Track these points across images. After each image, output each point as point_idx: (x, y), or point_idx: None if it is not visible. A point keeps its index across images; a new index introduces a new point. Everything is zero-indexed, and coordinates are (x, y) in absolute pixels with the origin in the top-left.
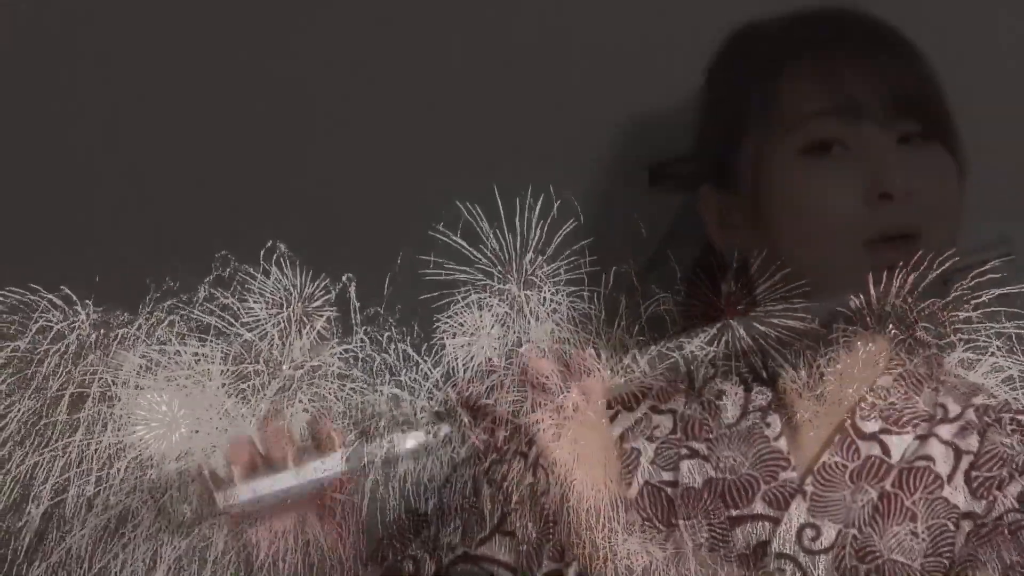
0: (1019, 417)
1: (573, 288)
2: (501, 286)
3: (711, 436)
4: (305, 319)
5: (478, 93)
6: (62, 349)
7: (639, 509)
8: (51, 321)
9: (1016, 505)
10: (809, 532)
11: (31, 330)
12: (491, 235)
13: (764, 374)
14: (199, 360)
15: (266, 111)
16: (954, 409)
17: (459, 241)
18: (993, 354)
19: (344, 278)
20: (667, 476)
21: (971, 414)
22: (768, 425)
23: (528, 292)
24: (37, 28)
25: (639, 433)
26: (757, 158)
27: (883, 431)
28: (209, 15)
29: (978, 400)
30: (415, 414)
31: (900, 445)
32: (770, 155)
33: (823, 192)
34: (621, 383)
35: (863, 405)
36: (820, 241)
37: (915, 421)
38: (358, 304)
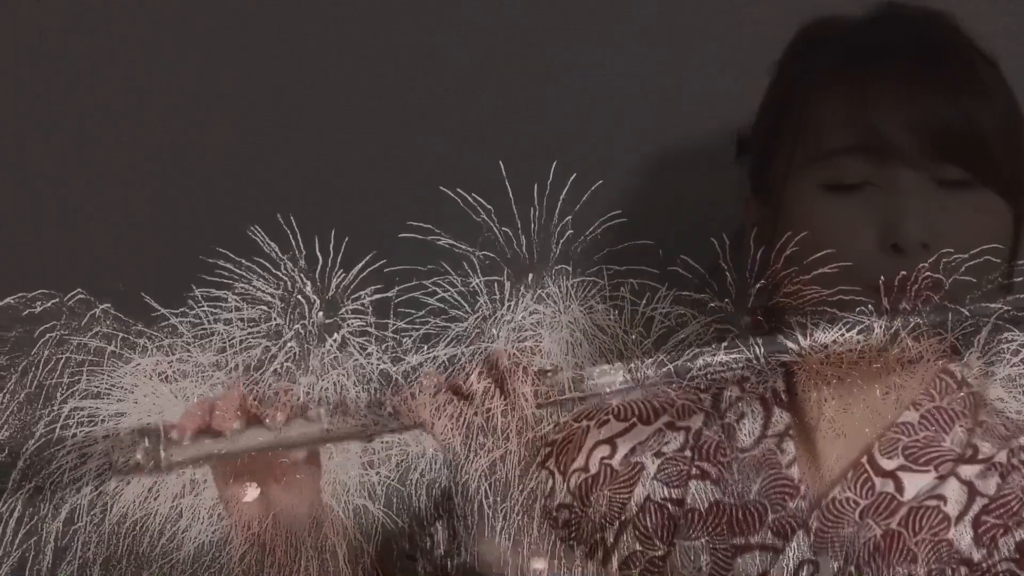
0: None
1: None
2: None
3: (725, 459)
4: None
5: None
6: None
7: (639, 525)
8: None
9: (1013, 555)
10: (808, 568)
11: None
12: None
13: (784, 397)
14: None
15: (272, 107)
16: (986, 450)
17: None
18: None
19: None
20: (672, 494)
21: (1003, 456)
22: (783, 451)
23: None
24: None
25: (648, 448)
26: (781, 181)
27: (902, 468)
28: (204, 10)
29: (1019, 442)
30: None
31: (917, 484)
32: (794, 182)
33: (837, 233)
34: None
35: (884, 440)
36: (833, 279)
37: (939, 460)
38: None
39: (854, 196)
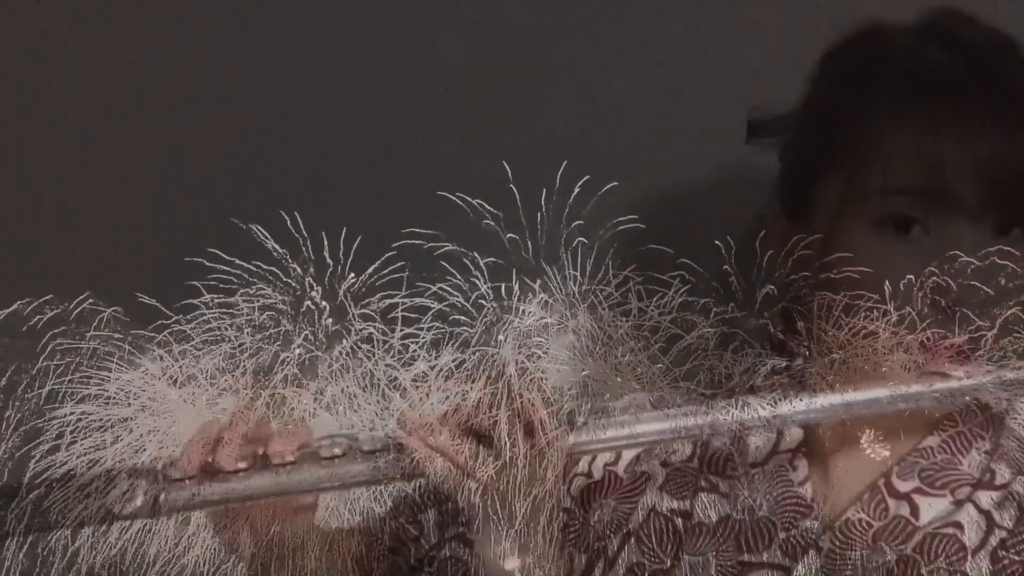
0: None
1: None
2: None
3: (735, 474)
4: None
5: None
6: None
7: (642, 538)
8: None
9: None
10: None
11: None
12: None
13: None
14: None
15: (272, 108)
16: (1003, 476)
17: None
18: None
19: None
20: (679, 506)
21: (1019, 485)
22: (795, 468)
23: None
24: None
25: (655, 456)
26: (834, 211)
27: (917, 491)
28: (205, 10)
29: None
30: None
31: (932, 508)
32: (848, 215)
33: (883, 279)
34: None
35: (903, 463)
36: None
37: (955, 484)
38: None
39: (904, 240)
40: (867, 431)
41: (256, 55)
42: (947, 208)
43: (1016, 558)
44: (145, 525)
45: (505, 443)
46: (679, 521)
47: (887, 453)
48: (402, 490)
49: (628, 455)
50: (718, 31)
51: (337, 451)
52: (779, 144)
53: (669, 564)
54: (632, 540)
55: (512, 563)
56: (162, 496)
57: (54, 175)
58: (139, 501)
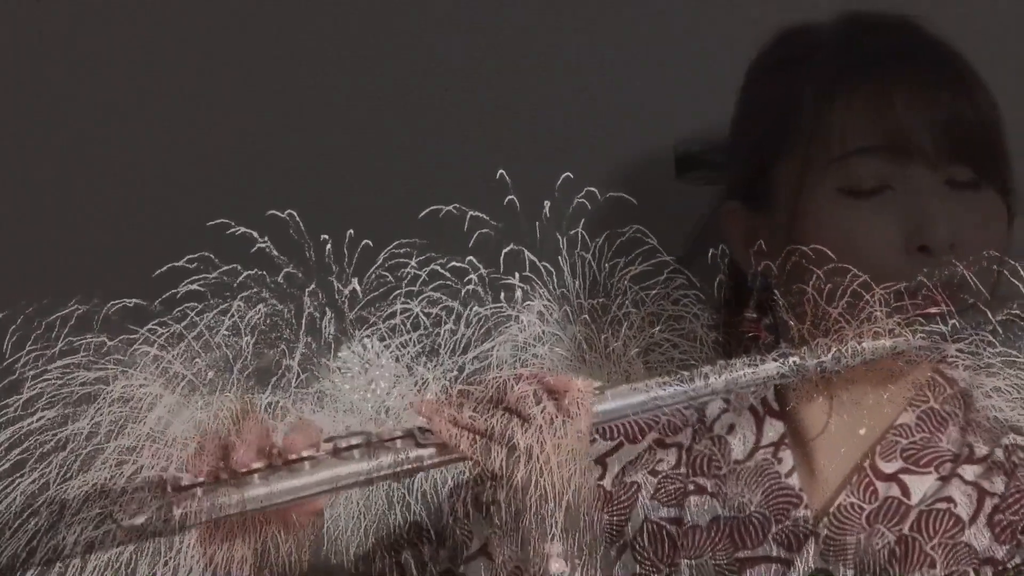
0: None
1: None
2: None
3: (720, 473)
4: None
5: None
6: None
7: (637, 548)
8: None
9: None
10: None
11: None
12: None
13: (776, 405)
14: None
15: (273, 110)
16: (981, 449)
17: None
18: None
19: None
20: (670, 513)
21: (999, 454)
22: (780, 461)
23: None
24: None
25: (641, 467)
26: (795, 187)
27: (903, 471)
28: (205, 10)
29: (1008, 440)
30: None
31: (921, 486)
32: (810, 187)
33: (861, 238)
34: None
35: (883, 444)
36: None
37: (938, 461)
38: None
39: (872, 200)
40: (845, 415)
41: (256, 56)
42: (906, 161)
43: (1013, 518)
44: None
45: (535, 407)
46: (672, 528)
47: (865, 434)
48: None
49: (614, 468)
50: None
51: (355, 441)
52: (709, 176)
53: (667, 571)
54: (628, 551)
55: (556, 565)
56: (175, 510)
57: (53, 175)
58: (148, 517)
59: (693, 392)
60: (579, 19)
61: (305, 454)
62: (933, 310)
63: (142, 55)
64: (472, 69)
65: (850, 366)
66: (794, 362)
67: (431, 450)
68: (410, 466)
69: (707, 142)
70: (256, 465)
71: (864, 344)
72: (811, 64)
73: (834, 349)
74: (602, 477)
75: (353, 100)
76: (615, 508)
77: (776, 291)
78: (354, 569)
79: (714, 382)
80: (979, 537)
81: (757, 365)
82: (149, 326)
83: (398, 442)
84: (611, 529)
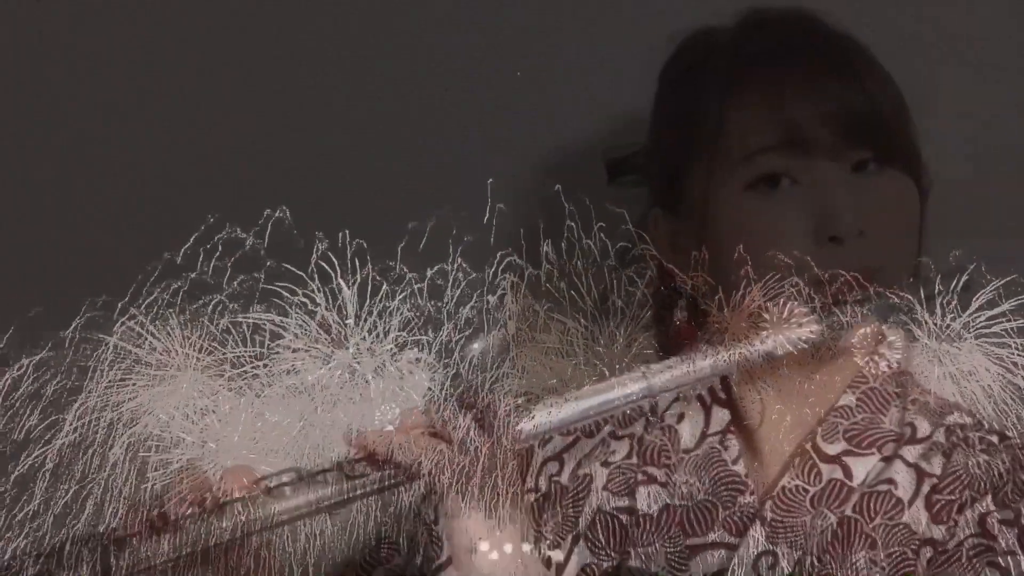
0: (990, 437)
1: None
2: None
3: (670, 462)
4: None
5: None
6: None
7: (589, 538)
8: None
9: (977, 530)
10: (767, 560)
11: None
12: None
13: (721, 394)
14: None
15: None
16: (924, 429)
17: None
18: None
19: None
20: (621, 503)
21: (940, 434)
22: (726, 448)
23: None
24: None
25: (594, 458)
26: (703, 189)
27: (846, 452)
28: (205, 11)
29: (951, 419)
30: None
31: (863, 467)
32: (716, 188)
33: (773, 234)
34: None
35: (825, 426)
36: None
37: (881, 442)
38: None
39: (777, 193)
40: (786, 399)
41: (256, 56)
42: (807, 154)
43: (949, 498)
44: None
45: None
46: (624, 517)
47: (806, 417)
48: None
49: (571, 463)
50: None
51: (285, 479)
52: (638, 180)
53: (619, 560)
54: (581, 541)
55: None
56: (113, 563)
57: (53, 175)
58: (85, 570)
59: (625, 398)
60: (577, 20)
61: (236, 495)
62: (852, 296)
63: (142, 55)
64: (472, 69)
65: (774, 356)
66: (725, 358)
67: (362, 480)
68: (342, 498)
69: (633, 145)
70: (189, 511)
71: (780, 336)
72: (707, 68)
73: (756, 342)
74: (559, 472)
75: (353, 100)
76: (570, 500)
77: (695, 296)
78: None
79: (652, 383)
80: (917, 518)
81: (693, 363)
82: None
83: (328, 475)
84: (567, 521)
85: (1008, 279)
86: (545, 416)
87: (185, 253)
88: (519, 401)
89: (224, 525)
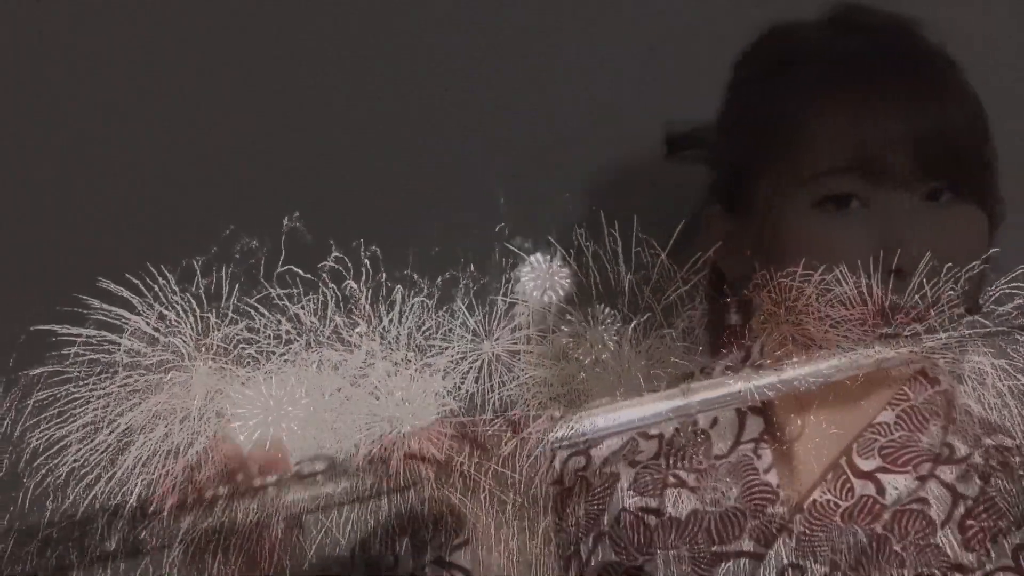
0: None
1: None
2: None
3: (700, 466)
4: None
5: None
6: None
7: (614, 537)
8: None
9: (1010, 562)
10: (793, 573)
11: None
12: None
13: (759, 403)
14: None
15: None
16: (962, 449)
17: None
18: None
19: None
20: (648, 503)
21: (978, 456)
22: (759, 457)
23: None
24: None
25: (621, 457)
26: (770, 199)
27: (880, 469)
28: (205, 11)
29: (992, 441)
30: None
31: (897, 485)
32: (785, 201)
33: (834, 256)
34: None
35: (861, 441)
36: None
37: (917, 460)
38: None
39: (845, 216)
40: (824, 412)
41: (255, 57)
42: (880, 180)
43: (983, 524)
44: None
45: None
46: (649, 518)
47: (843, 431)
48: (371, 521)
49: (598, 459)
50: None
51: (319, 467)
52: (699, 156)
53: (642, 561)
54: (605, 540)
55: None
56: (142, 533)
57: (53, 175)
58: (114, 542)
59: (675, 410)
60: (577, 18)
61: (270, 479)
62: (911, 327)
63: (142, 55)
64: (472, 69)
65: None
66: (782, 380)
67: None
68: (369, 492)
69: (697, 121)
70: (221, 490)
71: (841, 359)
72: (792, 71)
73: (812, 363)
74: (585, 468)
75: (353, 101)
76: (592, 497)
77: (753, 301)
78: (352, 557)
79: (699, 398)
80: (950, 541)
81: (741, 382)
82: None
83: (360, 468)
84: (590, 518)
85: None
86: (582, 426)
87: (197, 261)
88: (556, 414)
89: (253, 506)
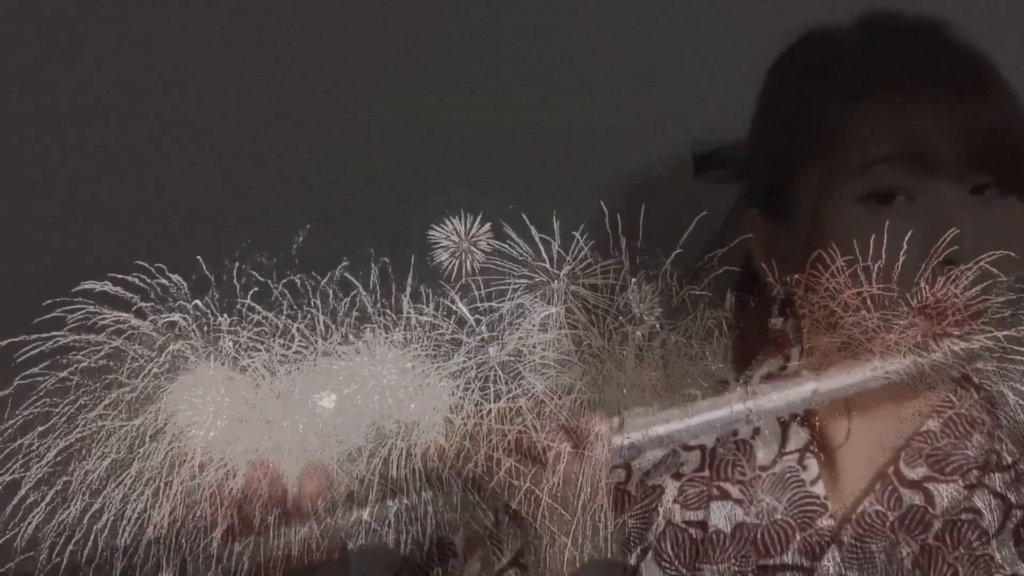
0: None
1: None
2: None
3: (744, 478)
4: None
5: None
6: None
7: (660, 552)
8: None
9: None
10: None
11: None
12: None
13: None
14: None
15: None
16: (1009, 456)
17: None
18: None
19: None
20: (693, 516)
21: None
22: (804, 468)
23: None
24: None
25: (664, 470)
26: (816, 197)
27: (928, 479)
28: (205, 12)
29: None
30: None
31: (946, 495)
32: (831, 198)
33: (880, 250)
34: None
35: (909, 450)
36: (876, 297)
37: (965, 468)
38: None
39: (890, 210)
40: (869, 420)
41: (255, 57)
42: (927, 171)
43: None
44: None
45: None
46: (695, 532)
47: (889, 440)
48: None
49: (639, 472)
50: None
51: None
52: (727, 175)
53: (689, 575)
54: (650, 554)
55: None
56: (189, 570)
57: (53, 175)
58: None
59: (724, 420)
60: (591, 20)
61: (315, 503)
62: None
63: (142, 55)
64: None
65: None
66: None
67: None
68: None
69: (723, 141)
70: (269, 517)
71: (894, 363)
72: (832, 72)
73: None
74: (626, 481)
75: (353, 101)
76: (637, 511)
77: (798, 304)
78: None
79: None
80: (1004, 550)
81: (787, 388)
82: None
83: (411, 490)
84: (633, 533)
85: None
86: (639, 435)
87: (208, 273)
88: (614, 422)
89: (302, 532)
